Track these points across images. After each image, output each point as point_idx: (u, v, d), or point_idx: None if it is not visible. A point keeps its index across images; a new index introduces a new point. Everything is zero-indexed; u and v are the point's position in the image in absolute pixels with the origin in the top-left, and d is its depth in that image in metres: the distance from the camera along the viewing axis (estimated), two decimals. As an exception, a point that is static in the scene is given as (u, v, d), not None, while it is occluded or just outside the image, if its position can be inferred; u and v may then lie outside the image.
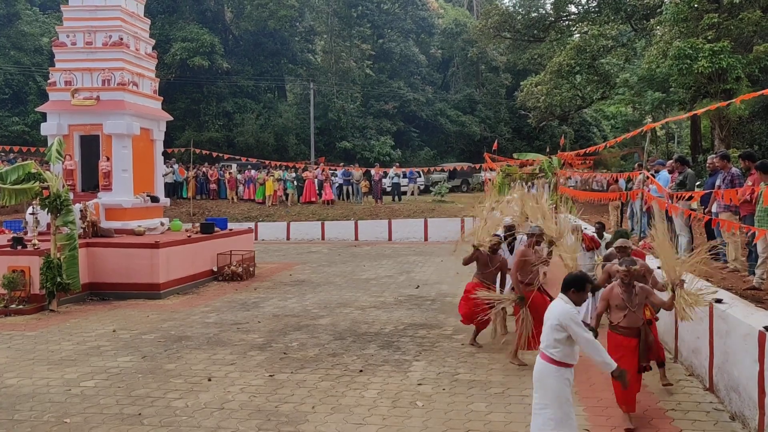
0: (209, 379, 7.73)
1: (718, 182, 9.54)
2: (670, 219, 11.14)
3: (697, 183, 12.24)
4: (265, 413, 6.61)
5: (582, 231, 10.22)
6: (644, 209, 12.70)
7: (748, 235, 8.45)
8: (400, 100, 43.81)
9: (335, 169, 31.09)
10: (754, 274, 8.31)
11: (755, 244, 8.27)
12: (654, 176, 12.07)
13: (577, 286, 5.04)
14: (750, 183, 8.58)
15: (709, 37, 19.81)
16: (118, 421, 6.41)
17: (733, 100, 11.24)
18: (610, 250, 8.38)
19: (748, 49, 21.00)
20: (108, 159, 15.38)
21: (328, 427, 6.22)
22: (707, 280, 8.46)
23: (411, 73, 46.15)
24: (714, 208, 9.54)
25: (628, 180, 16.64)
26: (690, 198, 10.33)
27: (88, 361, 8.58)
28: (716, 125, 22.21)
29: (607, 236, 10.39)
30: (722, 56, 19.13)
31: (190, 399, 7.05)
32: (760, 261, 8.16)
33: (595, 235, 10.40)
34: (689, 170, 11.04)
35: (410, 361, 8.51)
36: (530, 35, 35.65)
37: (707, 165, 10.93)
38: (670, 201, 10.40)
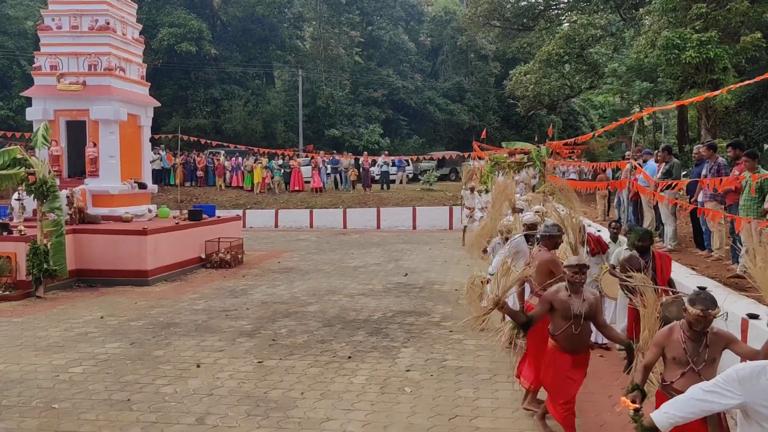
0: (198, 366, 7.74)
1: (704, 172, 9.65)
2: (656, 208, 11.26)
3: (683, 173, 12.36)
4: (254, 399, 6.64)
5: (586, 230, 8.44)
6: (630, 198, 12.80)
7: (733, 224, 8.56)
8: (389, 87, 43.66)
9: (327, 158, 30.97)
10: (737, 262, 8.42)
11: (739, 233, 8.38)
12: (641, 166, 12.16)
13: None
14: (737, 173, 8.69)
15: (697, 27, 19.91)
16: (106, 407, 6.42)
17: (720, 91, 11.34)
18: (630, 254, 6.94)
19: (736, 40, 21.13)
20: (95, 145, 15.26)
21: (316, 413, 6.27)
22: (692, 268, 8.59)
23: (400, 60, 45.95)
24: (700, 197, 9.65)
25: (616, 169, 16.76)
26: (675, 186, 10.43)
27: (76, 348, 8.56)
28: (703, 115, 22.37)
29: (622, 239, 8.57)
30: (710, 46, 19.24)
31: (179, 385, 7.06)
32: (743, 250, 8.27)
33: (602, 236, 8.91)
34: (675, 160, 11.15)
35: (398, 347, 8.57)
36: (519, 24, 35.65)
37: (693, 154, 11.04)
38: (656, 190, 10.50)
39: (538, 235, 6.63)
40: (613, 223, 9.03)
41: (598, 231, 10.01)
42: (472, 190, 19.47)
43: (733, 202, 8.67)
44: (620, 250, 7.62)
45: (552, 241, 6.41)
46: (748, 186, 7.87)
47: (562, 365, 5.35)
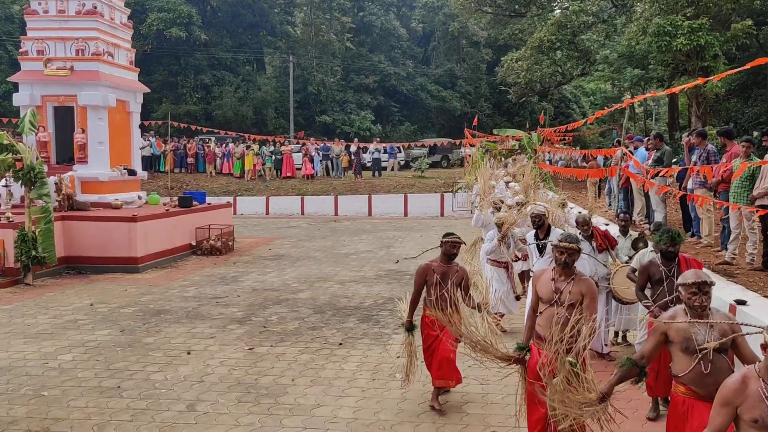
0: (188, 353, 7.73)
1: (694, 158, 9.68)
2: (647, 195, 11.30)
3: (674, 160, 12.40)
4: (245, 386, 6.64)
5: (591, 224, 7.69)
6: (620, 185, 12.84)
7: (722, 210, 8.60)
8: (381, 74, 43.44)
9: (318, 144, 30.82)
10: (726, 249, 8.48)
11: (728, 220, 8.43)
12: (632, 153, 12.19)
13: None
14: (724, 160, 8.72)
15: (688, 14, 19.93)
16: (96, 394, 6.40)
17: (710, 78, 11.35)
18: (650, 260, 5.86)
19: (726, 27, 21.16)
20: (83, 131, 15.11)
21: (307, 399, 6.28)
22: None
23: (392, 47, 45.70)
24: (689, 185, 9.68)
25: (607, 157, 16.80)
26: (671, 174, 10.45)
27: (66, 335, 8.52)
28: (693, 103, 22.45)
29: (633, 233, 7.91)
30: (700, 34, 19.28)
31: (169, 372, 7.05)
32: (732, 236, 8.33)
33: (609, 230, 8.02)
34: (666, 147, 11.18)
35: (389, 334, 8.59)
36: (511, 10, 35.54)
37: (682, 142, 11.07)
38: (647, 177, 10.53)
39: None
40: (622, 215, 8.04)
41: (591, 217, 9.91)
42: (507, 183, 18.20)
43: (723, 189, 8.71)
44: (644, 253, 6.53)
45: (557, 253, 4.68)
46: (746, 172, 7.87)
47: (696, 418, 3.76)
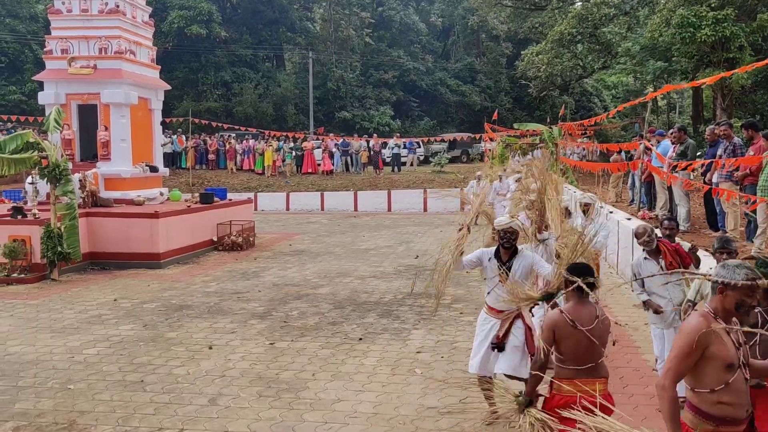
0: (210, 347, 7.80)
1: (720, 152, 9.53)
2: (670, 189, 11.15)
3: (698, 153, 12.20)
4: (266, 380, 6.69)
5: (654, 235, 6.03)
6: (643, 179, 12.68)
7: (748, 204, 8.45)
8: (400, 69, 43.37)
9: (338, 140, 30.87)
10: (752, 242, 8.34)
11: (755, 213, 8.29)
12: (655, 146, 12.02)
13: None
14: (752, 153, 8.57)
15: (713, 5, 19.56)
16: (120, 388, 6.49)
17: (736, 70, 11.13)
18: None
19: (752, 18, 20.75)
20: (106, 128, 15.30)
21: (328, 394, 6.30)
22: (706, 250, 8.51)
23: (411, 41, 45.59)
24: (714, 178, 9.53)
25: (628, 151, 16.59)
26: (694, 168, 10.29)
27: (91, 330, 8.65)
28: (718, 95, 22.04)
29: (684, 244, 6.47)
30: (725, 24, 18.91)
31: (191, 366, 7.13)
32: (759, 231, 8.19)
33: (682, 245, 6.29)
34: (690, 140, 11.01)
35: (409, 329, 8.59)
36: (531, 3, 35.23)
37: (706, 136, 10.90)
38: (670, 171, 10.38)
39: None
40: (666, 222, 6.43)
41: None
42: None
43: (749, 182, 8.55)
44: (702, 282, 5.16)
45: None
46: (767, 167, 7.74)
47: None
